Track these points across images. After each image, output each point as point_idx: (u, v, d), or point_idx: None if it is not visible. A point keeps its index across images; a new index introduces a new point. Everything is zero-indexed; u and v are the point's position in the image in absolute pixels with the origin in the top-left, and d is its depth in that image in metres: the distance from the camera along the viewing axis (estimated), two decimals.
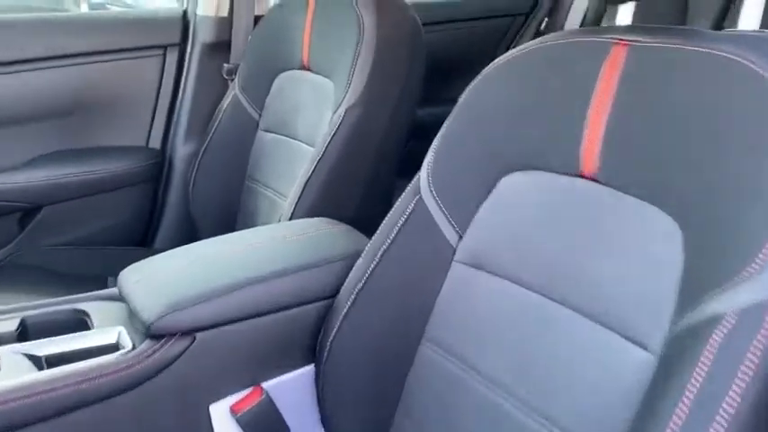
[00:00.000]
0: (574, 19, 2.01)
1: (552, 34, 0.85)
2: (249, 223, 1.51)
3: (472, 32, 2.09)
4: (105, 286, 1.42)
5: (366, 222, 1.15)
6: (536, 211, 0.81)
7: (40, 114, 1.51)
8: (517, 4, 2.15)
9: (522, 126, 0.82)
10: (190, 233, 1.63)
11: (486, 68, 0.89)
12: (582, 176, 0.77)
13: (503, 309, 0.82)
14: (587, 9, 2.00)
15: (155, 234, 1.67)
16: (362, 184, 1.29)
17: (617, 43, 0.75)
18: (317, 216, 1.19)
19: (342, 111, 1.22)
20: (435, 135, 0.92)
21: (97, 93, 1.56)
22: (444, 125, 0.91)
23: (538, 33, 2.13)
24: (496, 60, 0.89)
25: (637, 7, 1.92)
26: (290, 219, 1.23)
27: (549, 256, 0.78)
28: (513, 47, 2.13)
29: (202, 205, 1.57)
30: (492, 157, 0.85)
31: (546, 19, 2.12)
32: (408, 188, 0.92)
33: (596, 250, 0.74)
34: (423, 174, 0.90)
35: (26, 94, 1.47)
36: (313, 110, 1.36)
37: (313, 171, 1.22)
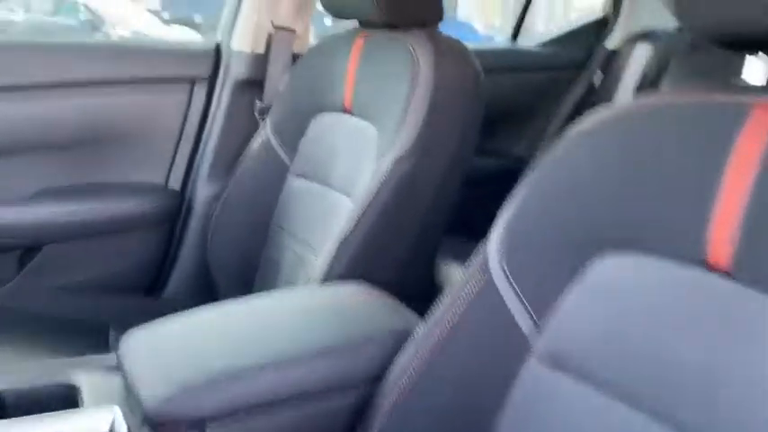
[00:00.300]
0: (631, 75, 1.88)
1: (654, 93, 0.71)
2: (271, 276, 1.36)
3: (520, 83, 1.96)
4: (107, 339, 1.27)
5: (407, 289, 1.00)
6: (640, 304, 0.65)
7: (50, 144, 1.38)
8: (569, 57, 2.02)
9: (625, 200, 0.67)
10: (204, 283, 1.48)
11: (570, 133, 0.74)
12: (705, 265, 0.61)
13: (588, 423, 0.65)
14: (646, 64, 1.87)
15: (165, 282, 1.52)
16: (407, 244, 1.14)
17: (760, 106, 0.60)
18: (352, 278, 1.04)
19: (388, 161, 1.08)
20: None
21: (115, 124, 1.43)
22: (519, 195, 0.76)
23: (591, 88, 2.00)
24: (582, 123, 0.73)
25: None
26: (322, 280, 1.07)
27: (653, 363, 0.62)
28: (565, 101, 2.06)
29: (221, 253, 1.42)
30: (582, 234, 0.70)
31: (600, 75, 1.99)
32: (472, 265, 0.76)
33: (725, 361, 0.57)
34: (491, 250, 0.75)
35: (37, 122, 1.34)
36: (352, 157, 1.22)
37: (352, 228, 1.07)
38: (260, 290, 1.39)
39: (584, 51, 2.04)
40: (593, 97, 1.97)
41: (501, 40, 1.99)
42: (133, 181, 1.49)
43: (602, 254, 0.67)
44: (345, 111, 1.26)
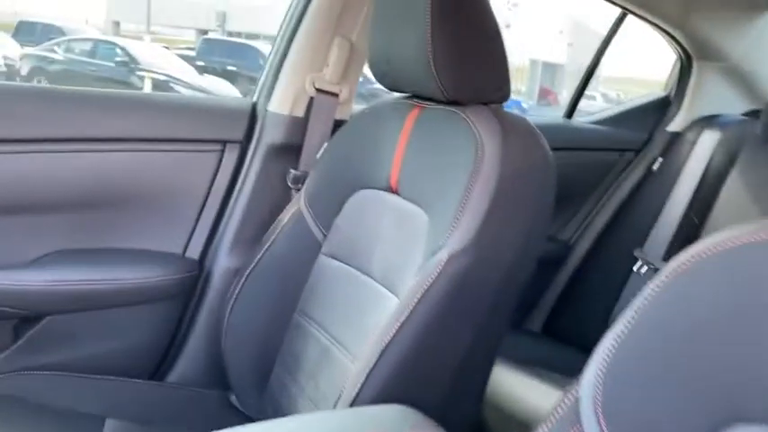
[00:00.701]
0: (697, 163, 1.72)
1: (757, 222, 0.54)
2: (293, 369, 1.19)
3: (573, 162, 1.81)
4: (101, 429, 1.11)
5: (453, 413, 0.83)
6: None
7: (61, 203, 1.25)
8: (627, 138, 1.88)
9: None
10: (214, 369, 1.32)
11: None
12: None
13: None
14: (713, 152, 1.71)
15: (172, 365, 1.36)
16: (462, 354, 0.97)
17: None
18: (393, 393, 0.87)
19: (443, 256, 0.92)
20: None
21: (135, 185, 1.30)
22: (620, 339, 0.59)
23: (649, 172, 1.84)
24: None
25: None
26: (359, 393, 0.90)
27: None
28: (620, 185, 1.90)
29: (238, 336, 1.26)
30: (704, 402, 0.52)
31: (660, 159, 1.84)
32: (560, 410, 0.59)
33: None
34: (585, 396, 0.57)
35: (48, 178, 1.21)
36: (397, 245, 1.06)
37: (395, 332, 0.91)
38: (277, 383, 1.22)
39: (644, 133, 1.89)
40: (652, 183, 1.82)
41: (555, 115, 1.84)
42: (148, 249, 1.34)
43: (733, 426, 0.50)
44: (391, 190, 1.11)
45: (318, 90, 1.37)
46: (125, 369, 1.30)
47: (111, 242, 1.31)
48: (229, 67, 11.03)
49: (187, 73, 9.39)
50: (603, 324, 1.58)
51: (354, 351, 1.06)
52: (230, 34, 17.08)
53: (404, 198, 1.08)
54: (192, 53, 12.12)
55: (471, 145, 0.97)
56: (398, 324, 0.91)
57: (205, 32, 17.50)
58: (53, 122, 1.21)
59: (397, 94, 1.18)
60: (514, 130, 1.01)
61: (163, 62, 9.75)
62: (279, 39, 1.42)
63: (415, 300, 0.92)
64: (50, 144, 1.21)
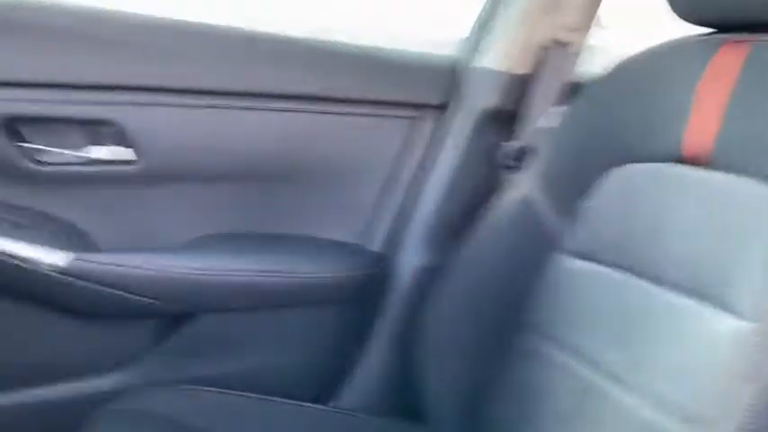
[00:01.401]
0: None
1: None
2: (527, 406, 0.86)
3: None
4: None
5: None
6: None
7: (220, 173, 0.99)
8: None
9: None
10: (401, 394, 1.01)
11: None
12: None
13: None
14: None
15: (345, 387, 1.06)
16: None
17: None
18: None
19: None
20: None
21: (310, 155, 1.02)
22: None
23: None
24: None
25: None
26: None
27: None
28: None
29: (435, 354, 0.94)
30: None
31: None
32: None
33: None
34: None
35: (204, 140, 0.96)
36: (716, 238, 0.72)
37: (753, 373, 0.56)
38: (497, 420, 0.89)
39: None
40: None
41: None
42: (319, 236, 1.06)
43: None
44: (691, 161, 0.77)
45: (547, 41, 1.05)
46: (287, 387, 1.01)
47: (277, 225, 1.04)
48: None
49: None
50: None
51: (645, 393, 0.72)
52: None
53: (718, 170, 0.73)
54: None
55: None
56: (754, 362, 0.57)
57: None
58: (219, 70, 0.96)
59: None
60: None
61: None
62: None
63: None
64: (215, 98, 0.96)
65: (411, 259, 1.06)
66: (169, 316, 0.98)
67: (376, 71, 1.06)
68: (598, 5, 1.07)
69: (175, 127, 0.94)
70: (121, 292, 0.91)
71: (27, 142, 0.90)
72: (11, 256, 0.88)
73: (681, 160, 0.77)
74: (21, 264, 0.88)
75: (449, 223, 1.06)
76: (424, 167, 1.08)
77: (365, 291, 1.06)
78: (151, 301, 0.93)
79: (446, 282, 0.95)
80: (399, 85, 1.07)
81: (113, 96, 0.90)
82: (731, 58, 0.75)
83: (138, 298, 0.92)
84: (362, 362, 1.06)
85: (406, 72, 1.08)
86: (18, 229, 0.91)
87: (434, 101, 1.08)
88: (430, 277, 1.02)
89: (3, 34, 0.85)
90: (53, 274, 0.88)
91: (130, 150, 0.93)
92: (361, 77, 1.05)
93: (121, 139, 0.92)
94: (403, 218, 1.08)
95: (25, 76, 0.87)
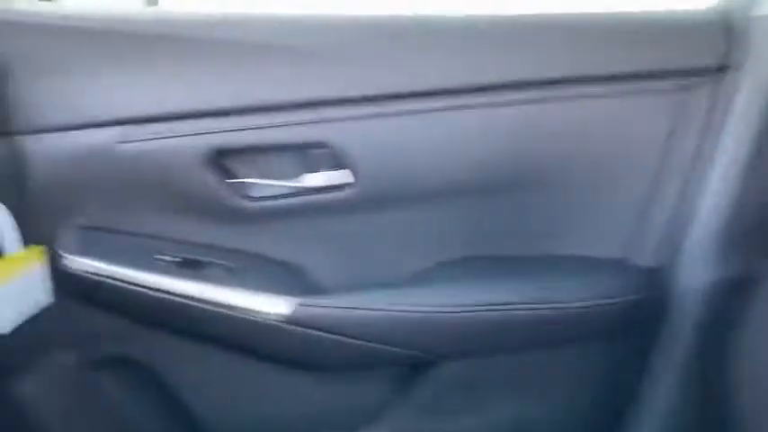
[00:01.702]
0: None
1: None
2: None
3: None
4: None
5: None
6: None
7: (454, 186, 0.82)
8: None
9: None
10: None
11: None
12: None
13: None
14: None
15: None
16: None
17: None
18: None
19: None
20: None
21: (569, 154, 0.82)
22: None
23: None
24: None
25: None
26: None
27: None
28: None
29: (755, 396, 0.70)
30: None
31: None
32: None
33: None
34: None
35: (434, 148, 0.79)
36: None
37: None
38: None
39: None
40: None
41: None
42: (575, 253, 0.85)
43: None
44: None
45: None
46: None
47: (521, 245, 0.85)
48: None
49: None
50: None
51: None
52: None
53: None
54: None
55: None
56: None
57: None
58: (438, 65, 0.79)
59: None
60: None
61: None
62: None
63: None
64: (437, 99, 0.79)
65: (697, 273, 0.82)
66: (407, 364, 0.82)
67: (630, 39, 0.83)
68: None
69: (395, 140, 0.78)
70: (352, 340, 0.77)
71: (234, 177, 0.80)
72: (229, 307, 0.77)
73: None
74: (241, 315, 0.77)
75: (748, 222, 0.80)
76: (700, 154, 0.83)
77: (642, 317, 0.83)
78: (388, 347, 0.78)
79: (756, 297, 0.70)
80: (661, 50, 0.83)
81: (322, 113, 0.77)
82: None
83: (372, 345, 0.77)
84: (649, 405, 0.83)
85: (669, 33, 0.84)
86: (233, 276, 0.80)
87: (708, 64, 0.82)
88: (727, 294, 0.77)
89: (192, 58, 0.74)
90: (278, 323, 0.76)
91: (347, 172, 0.79)
92: (612, 50, 0.82)
93: (336, 160, 0.78)
94: (679, 221, 0.84)
95: (223, 102, 0.75)
